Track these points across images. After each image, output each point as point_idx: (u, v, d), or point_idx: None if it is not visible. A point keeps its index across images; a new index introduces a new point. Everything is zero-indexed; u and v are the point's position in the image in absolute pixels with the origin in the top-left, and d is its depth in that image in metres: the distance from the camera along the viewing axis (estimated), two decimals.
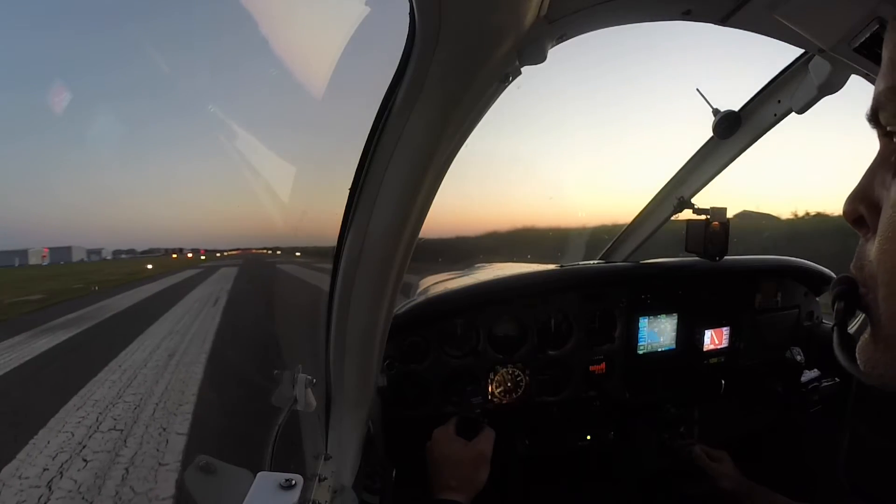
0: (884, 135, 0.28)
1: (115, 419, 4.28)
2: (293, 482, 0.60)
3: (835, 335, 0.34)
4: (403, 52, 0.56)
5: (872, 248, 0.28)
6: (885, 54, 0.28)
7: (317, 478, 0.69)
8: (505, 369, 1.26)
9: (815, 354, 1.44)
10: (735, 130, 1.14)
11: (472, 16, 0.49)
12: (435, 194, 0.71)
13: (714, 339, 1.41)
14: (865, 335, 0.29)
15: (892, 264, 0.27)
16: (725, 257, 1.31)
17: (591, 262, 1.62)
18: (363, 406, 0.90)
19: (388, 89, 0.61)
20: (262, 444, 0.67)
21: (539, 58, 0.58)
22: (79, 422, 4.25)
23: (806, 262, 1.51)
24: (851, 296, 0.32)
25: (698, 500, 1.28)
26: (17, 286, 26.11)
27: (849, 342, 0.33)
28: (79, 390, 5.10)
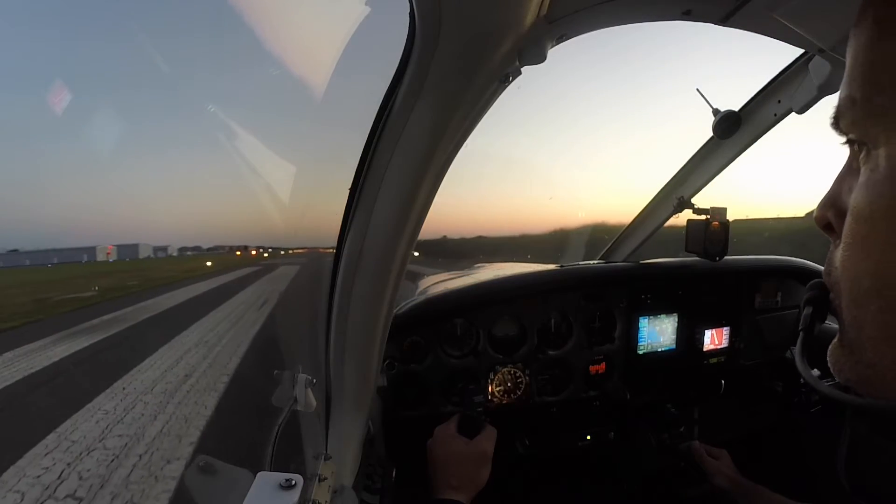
0: (845, 142, 0.29)
1: (80, 478, 3.30)
2: (293, 482, 0.60)
3: (798, 341, 0.35)
4: (403, 52, 0.56)
5: (838, 255, 0.29)
6: (847, 62, 0.28)
7: (317, 478, 0.69)
8: (505, 369, 1.25)
9: (815, 354, 1.44)
10: (735, 130, 1.14)
11: (472, 16, 0.49)
12: (435, 194, 0.71)
13: (714, 339, 1.41)
14: (835, 339, 0.30)
15: (853, 272, 0.27)
16: (725, 257, 1.31)
17: (591, 262, 1.62)
18: (363, 406, 0.90)
19: (388, 89, 0.61)
20: (262, 445, 0.67)
21: (539, 58, 0.58)
22: (37, 477, 3.32)
23: (806, 262, 1.51)
24: (821, 301, 0.33)
25: (698, 501, 1.28)
26: (74, 282, 26.19)
27: (810, 348, 0.34)
28: (61, 424, 4.25)
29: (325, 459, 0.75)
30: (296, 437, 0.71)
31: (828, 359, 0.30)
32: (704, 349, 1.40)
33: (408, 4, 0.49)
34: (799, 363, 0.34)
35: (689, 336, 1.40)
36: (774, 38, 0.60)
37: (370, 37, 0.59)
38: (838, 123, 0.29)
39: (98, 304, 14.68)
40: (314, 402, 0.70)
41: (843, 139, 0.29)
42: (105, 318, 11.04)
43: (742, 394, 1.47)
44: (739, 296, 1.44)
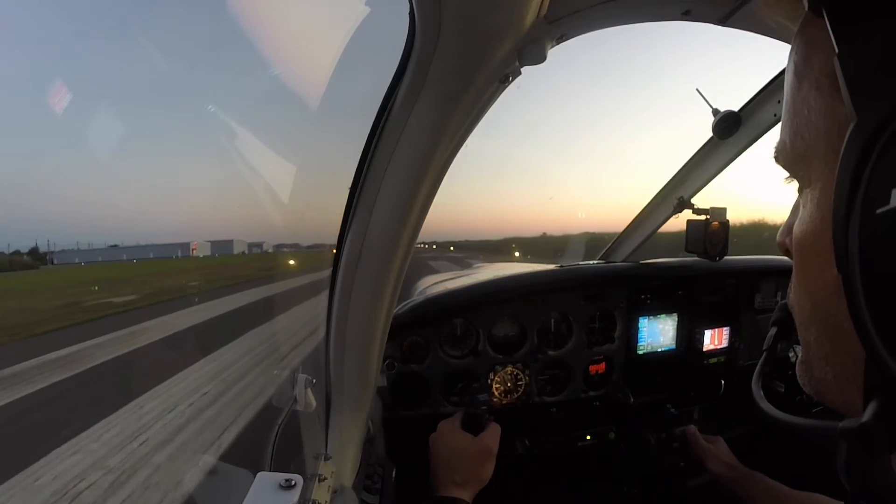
0: (787, 178, 0.31)
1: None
2: (293, 482, 0.60)
3: (760, 360, 0.38)
4: (403, 52, 0.56)
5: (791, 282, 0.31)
6: (784, 106, 0.30)
7: (317, 478, 0.69)
8: (505, 369, 1.25)
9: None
10: (735, 130, 1.14)
11: (472, 16, 0.49)
12: (435, 194, 0.71)
13: (714, 339, 1.41)
14: (799, 358, 0.32)
15: (798, 298, 0.30)
16: (725, 257, 1.31)
17: (591, 262, 1.62)
18: (363, 406, 0.90)
19: (388, 89, 0.61)
20: (262, 445, 0.67)
21: (539, 58, 0.58)
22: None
23: None
24: (785, 322, 0.35)
25: (698, 501, 1.28)
26: (128, 283, 25.04)
27: (771, 366, 0.37)
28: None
29: (325, 459, 0.75)
30: (296, 437, 0.71)
31: (797, 375, 0.32)
32: (704, 349, 1.40)
33: (408, 4, 0.49)
34: (754, 382, 0.36)
35: (688, 336, 1.40)
36: (774, 38, 0.60)
37: (370, 37, 0.59)
38: (777, 161, 0.31)
39: (138, 308, 13.59)
40: (314, 402, 0.70)
41: (785, 176, 0.31)
42: (119, 333, 8.97)
43: (742, 394, 1.47)
44: (739, 296, 1.44)
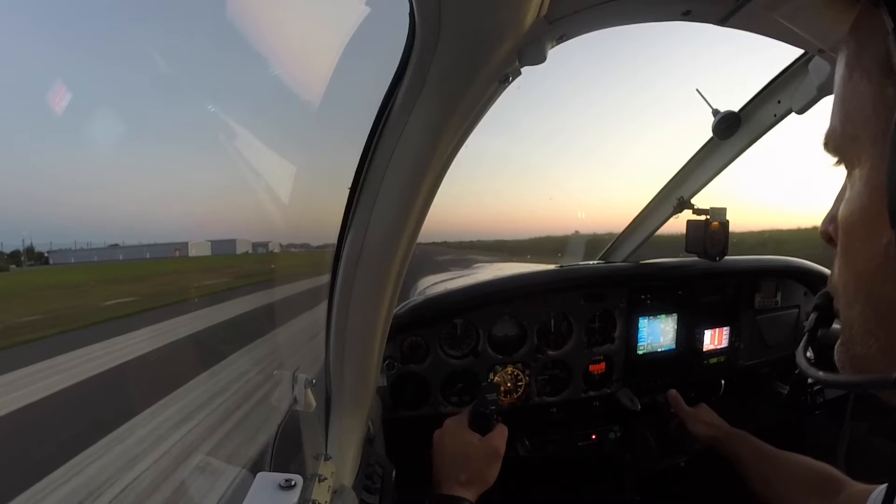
0: (836, 164, 0.33)
1: None
2: (293, 482, 0.60)
3: (803, 339, 0.40)
4: (403, 52, 0.56)
5: (836, 264, 0.33)
6: (835, 93, 0.33)
7: (317, 478, 0.69)
8: (505, 370, 1.26)
9: (824, 360, 1.44)
10: (735, 131, 1.14)
11: (472, 16, 0.49)
12: (435, 194, 0.71)
13: (714, 339, 1.41)
14: (838, 341, 0.34)
15: (844, 278, 0.32)
16: (725, 257, 1.31)
17: (591, 262, 1.62)
18: (363, 406, 0.90)
19: (388, 89, 0.61)
20: (262, 444, 0.67)
21: (539, 58, 0.58)
22: None
23: (806, 262, 1.51)
24: (826, 307, 0.38)
25: (698, 501, 1.28)
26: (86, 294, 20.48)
27: (812, 345, 0.39)
28: None
29: (325, 459, 0.75)
30: (296, 437, 0.71)
31: (835, 357, 0.34)
32: (704, 349, 1.40)
33: (408, 4, 0.49)
34: (799, 354, 0.39)
35: (688, 336, 1.40)
36: (774, 38, 0.60)
37: (370, 37, 0.59)
38: (827, 147, 0.33)
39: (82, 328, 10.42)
40: (314, 402, 0.70)
41: (834, 161, 0.33)
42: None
43: (742, 394, 1.47)
44: (739, 296, 1.44)
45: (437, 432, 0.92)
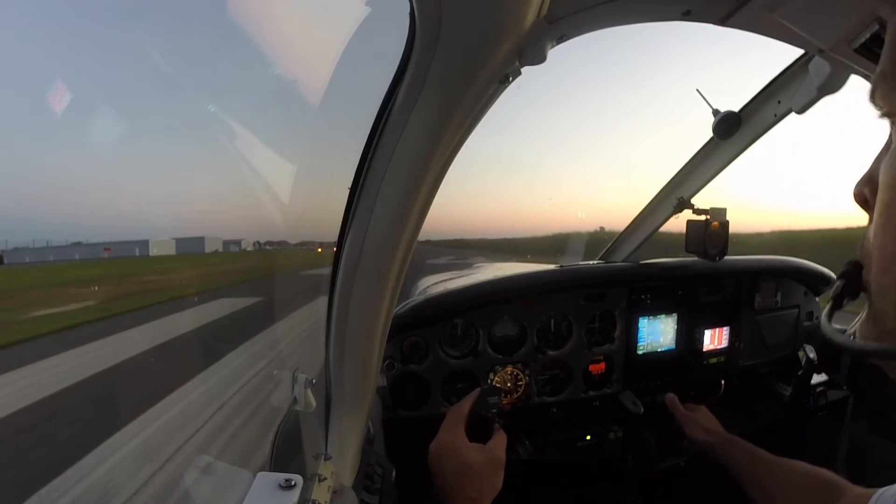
0: (881, 115, 0.31)
1: None
2: (293, 482, 0.60)
3: (826, 307, 0.37)
4: (403, 53, 0.56)
5: (871, 228, 0.31)
6: (885, 40, 0.30)
7: (317, 478, 0.69)
8: (505, 370, 1.26)
9: (828, 358, 1.43)
10: (735, 131, 1.14)
11: (472, 16, 0.49)
12: (435, 194, 0.71)
13: (714, 339, 1.41)
14: (863, 314, 0.32)
15: (881, 240, 0.29)
16: (725, 257, 1.31)
17: (591, 262, 1.62)
18: (363, 406, 0.90)
19: (389, 89, 0.61)
20: (262, 444, 0.67)
21: (539, 58, 0.58)
22: None
23: (806, 262, 1.51)
24: (854, 276, 0.34)
25: (699, 501, 1.28)
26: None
27: (837, 311, 0.35)
28: None
29: (325, 459, 0.75)
30: (296, 437, 0.71)
31: (856, 333, 0.32)
32: (704, 349, 1.40)
33: (408, 4, 0.49)
34: (824, 322, 0.35)
35: (688, 336, 1.40)
36: (774, 38, 0.60)
37: (370, 37, 0.59)
38: (874, 97, 0.31)
39: None
40: (314, 402, 0.70)
41: (880, 112, 0.30)
42: None
43: (742, 394, 1.47)
44: (739, 296, 1.44)
45: (433, 452, 0.86)
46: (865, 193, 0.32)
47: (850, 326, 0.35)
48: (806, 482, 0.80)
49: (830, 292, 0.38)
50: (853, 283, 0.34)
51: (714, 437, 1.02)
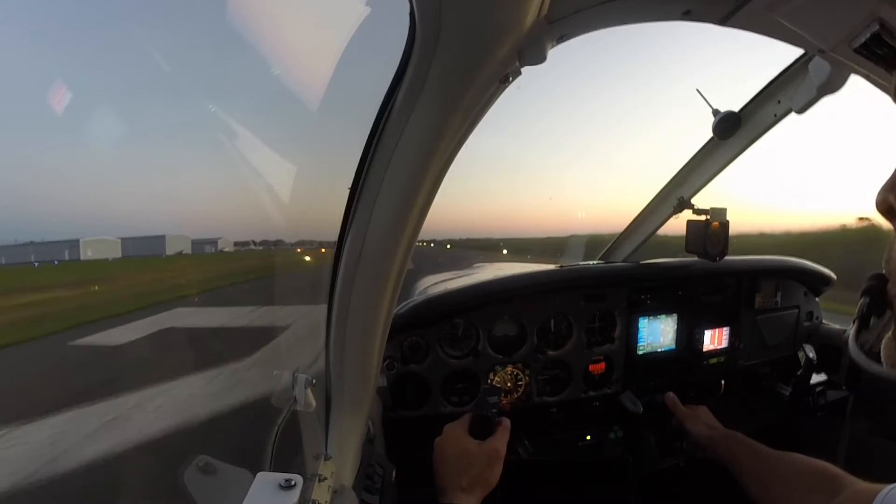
0: None
1: None
2: (293, 482, 0.60)
3: (853, 328, 0.35)
4: (404, 53, 0.56)
5: None
6: None
7: (317, 478, 0.69)
8: (505, 370, 1.25)
9: (828, 361, 1.43)
10: (735, 131, 1.14)
11: (472, 16, 0.49)
12: (435, 194, 0.71)
13: (714, 339, 1.41)
14: (889, 333, 0.30)
15: None
16: (725, 257, 1.31)
17: (591, 262, 1.62)
18: (363, 406, 0.90)
19: (389, 90, 0.61)
20: (262, 444, 0.67)
21: (539, 58, 0.58)
22: None
23: (806, 262, 1.51)
24: (878, 291, 0.32)
25: (699, 501, 1.28)
26: None
27: (864, 331, 0.33)
28: None
29: (325, 459, 0.75)
30: (296, 437, 0.71)
31: (882, 353, 0.30)
32: (704, 349, 1.40)
33: (408, 4, 0.49)
34: (852, 345, 0.34)
35: (688, 336, 1.40)
36: (774, 38, 0.60)
37: (370, 37, 0.59)
38: None
39: None
40: (314, 402, 0.70)
41: None
42: None
43: (742, 394, 1.47)
44: (739, 296, 1.44)
45: (438, 440, 0.91)
46: (891, 200, 0.30)
47: (868, 336, 0.33)
48: (807, 476, 0.79)
49: (856, 312, 0.36)
50: (878, 299, 0.32)
51: (714, 432, 1.03)
